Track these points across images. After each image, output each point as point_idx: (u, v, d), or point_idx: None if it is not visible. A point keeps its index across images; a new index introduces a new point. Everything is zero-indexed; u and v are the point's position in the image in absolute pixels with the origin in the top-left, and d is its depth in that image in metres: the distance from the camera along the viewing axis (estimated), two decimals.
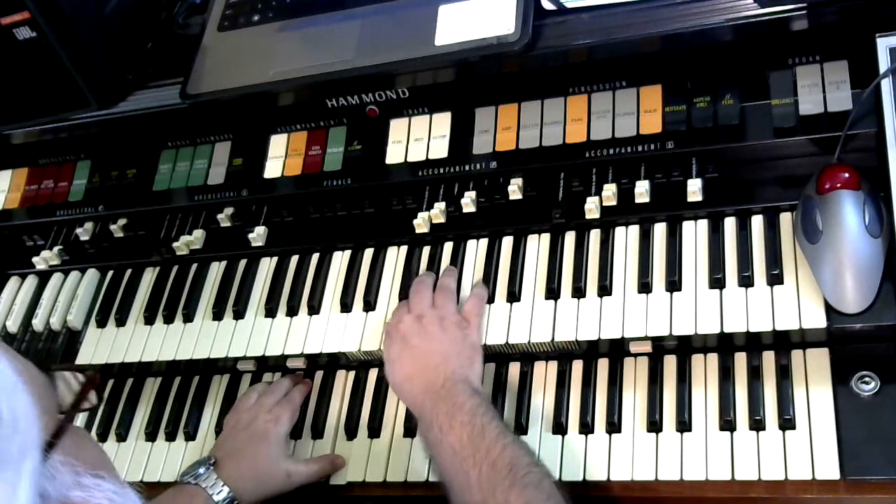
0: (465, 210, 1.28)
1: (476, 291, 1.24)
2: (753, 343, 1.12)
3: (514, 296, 1.22)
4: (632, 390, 1.14)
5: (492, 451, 1.02)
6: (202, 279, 1.41)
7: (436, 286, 1.25)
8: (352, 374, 1.30)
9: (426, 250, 1.31)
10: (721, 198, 1.19)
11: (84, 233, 1.48)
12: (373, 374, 1.28)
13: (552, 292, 1.20)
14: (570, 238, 1.24)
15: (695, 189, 1.17)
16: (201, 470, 1.16)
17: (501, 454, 1.01)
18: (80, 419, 1.34)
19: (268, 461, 1.19)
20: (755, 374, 1.10)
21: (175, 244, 1.42)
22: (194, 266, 1.43)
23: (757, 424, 1.06)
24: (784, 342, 1.11)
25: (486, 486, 0.99)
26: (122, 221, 1.47)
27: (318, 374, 1.31)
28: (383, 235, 1.34)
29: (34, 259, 1.51)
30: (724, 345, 1.13)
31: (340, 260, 1.35)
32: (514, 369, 1.21)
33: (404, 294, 1.27)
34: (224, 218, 1.40)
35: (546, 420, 1.16)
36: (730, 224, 1.18)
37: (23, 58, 1.37)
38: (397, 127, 1.34)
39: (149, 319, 1.40)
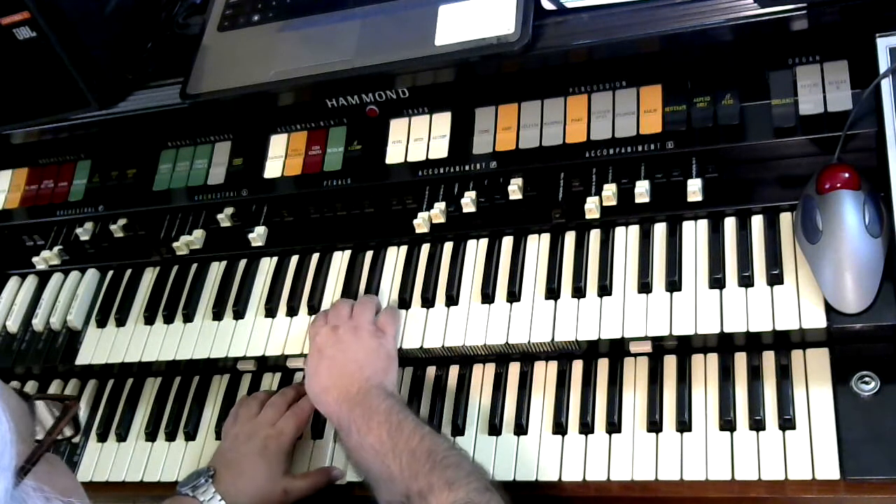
0: (465, 210, 1.28)
1: (390, 306, 1.26)
2: (753, 343, 1.12)
3: (514, 296, 1.22)
4: (632, 390, 1.14)
5: (410, 441, 1.05)
6: (202, 279, 1.41)
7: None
8: None
9: (426, 250, 1.31)
10: (721, 198, 1.18)
11: (84, 233, 1.48)
12: None
13: (552, 292, 1.20)
14: (570, 238, 1.24)
15: (695, 189, 1.17)
16: (200, 481, 1.16)
17: (420, 444, 1.05)
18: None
19: (267, 479, 1.19)
20: (755, 374, 1.10)
21: (175, 244, 1.42)
22: (194, 266, 1.43)
23: (757, 424, 1.06)
24: (784, 342, 1.11)
25: (408, 474, 1.02)
26: (122, 221, 1.47)
27: None
28: (383, 235, 1.34)
29: (34, 259, 1.51)
30: (724, 345, 1.13)
31: (340, 260, 1.35)
32: (514, 369, 1.21)
33: (404, 294, 1.27)
34: (224, 218, 1.40)
35: (546, 420, 1.16)
36: (730, 224, 1.18)
37: (23, 58, 1.37)
38: (397, 127, 1.34)
39: (149, 319, 1.40)
